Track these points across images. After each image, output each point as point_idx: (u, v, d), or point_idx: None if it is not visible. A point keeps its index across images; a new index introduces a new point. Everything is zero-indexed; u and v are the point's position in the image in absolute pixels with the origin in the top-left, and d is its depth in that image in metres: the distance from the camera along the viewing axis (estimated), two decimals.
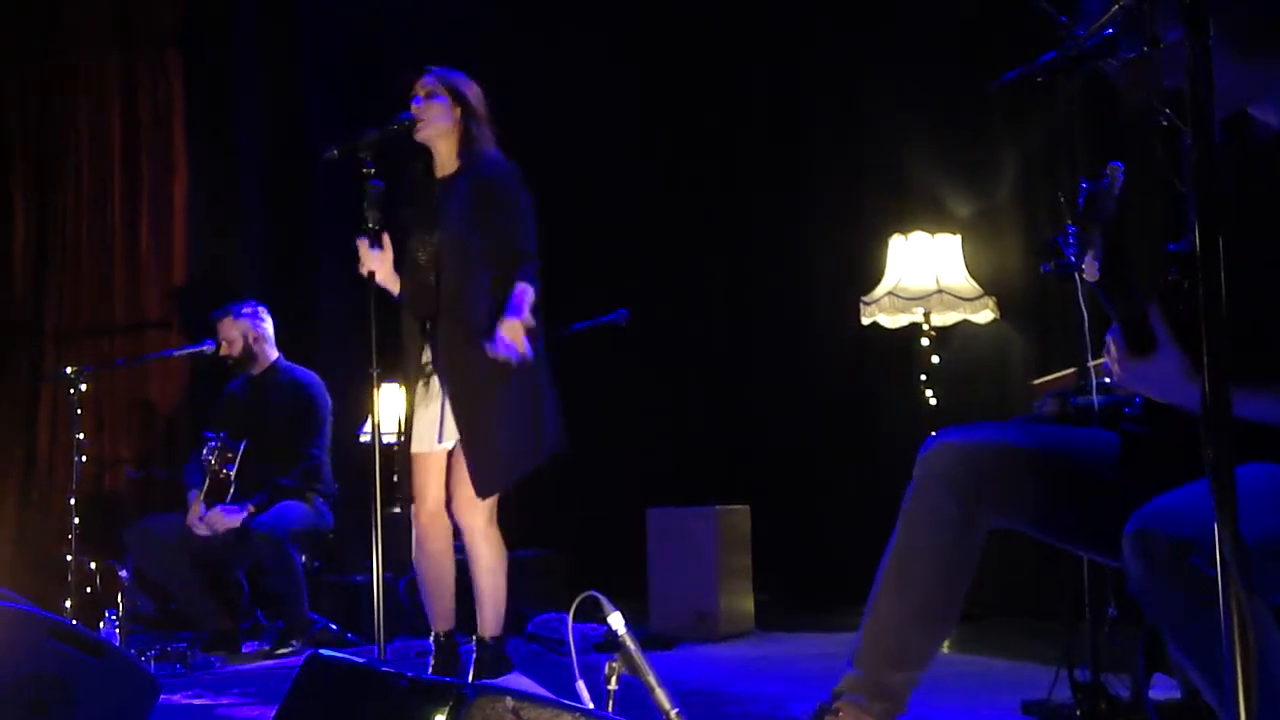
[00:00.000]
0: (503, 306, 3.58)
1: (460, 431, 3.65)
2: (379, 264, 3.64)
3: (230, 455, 4.85)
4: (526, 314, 3.54)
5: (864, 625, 2.04)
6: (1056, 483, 1.97)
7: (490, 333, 3.53)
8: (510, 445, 3.65)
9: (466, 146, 3.71)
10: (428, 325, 3.72)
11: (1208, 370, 1.28)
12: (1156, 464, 1.85)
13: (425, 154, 3.79)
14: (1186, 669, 1.61)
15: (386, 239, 3.65)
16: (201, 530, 4.73)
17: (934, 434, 2.09)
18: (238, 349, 5.10)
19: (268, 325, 5.17)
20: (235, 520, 4.72)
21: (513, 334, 3.49)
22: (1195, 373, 1.66)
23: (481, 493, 3.65)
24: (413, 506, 3.77)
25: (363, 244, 3.62)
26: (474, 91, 3.77)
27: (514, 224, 3.66)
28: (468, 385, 3.63)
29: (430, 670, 3.73)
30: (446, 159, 3.77)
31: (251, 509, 4.73)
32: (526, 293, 3.58)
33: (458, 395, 3.65)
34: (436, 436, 3.69)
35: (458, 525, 3.74)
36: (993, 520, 1.99)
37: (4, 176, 6.26)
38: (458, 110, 3.71)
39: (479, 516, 3.68)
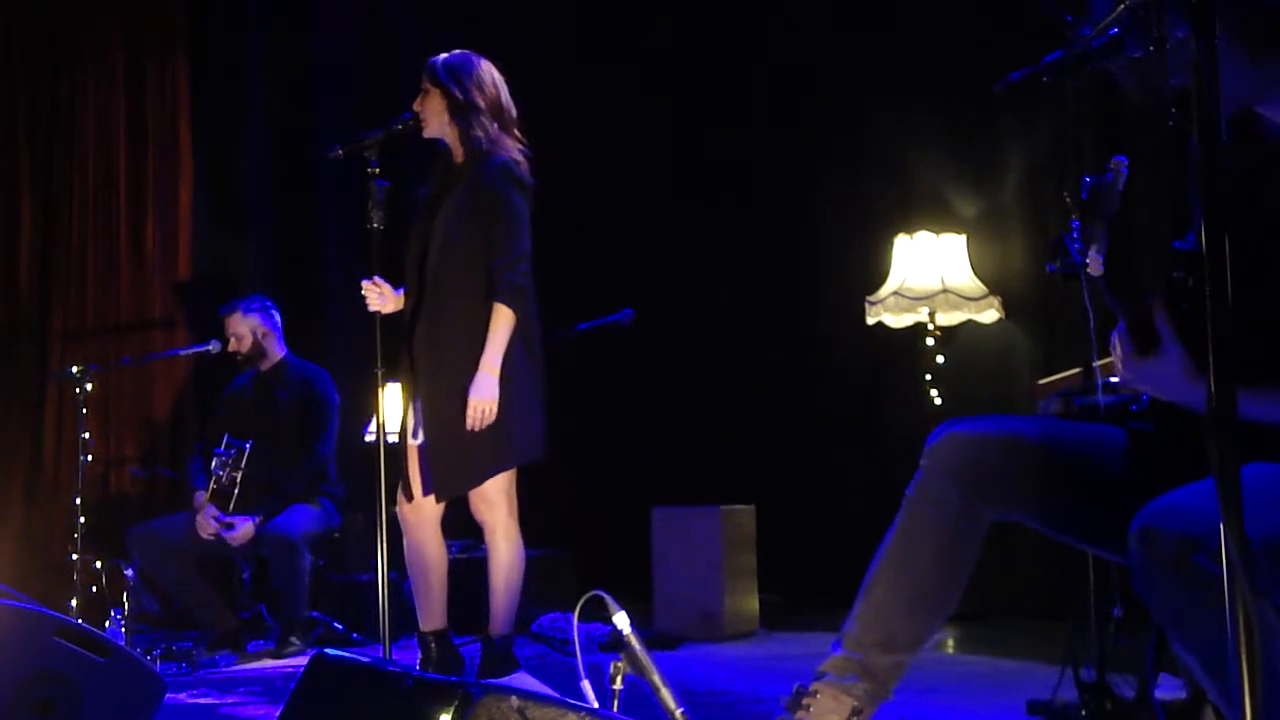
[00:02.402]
0: (482, 314, 3.58)
1: (425, 430, 3.64)
2: (384, 305, 3.66)
3: (237, 460, 4.84)
4: (500, 359, 3.55)
5: (856, 609, 2.02)
6: (1063, 477, 1.96)
7: (466, 334, 3.57)
8: (475, 448, 3.57)
9: (465, 141, 3.71)
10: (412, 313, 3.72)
11: (1213, 369, 1.27)
12: (1163, 461, 1.84)
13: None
14: (1190, 667, 1.61)
15: (389, 289, 3.69)
16: (208, 535, 4.72)
17: (942, 424, 2.09)
18: (247, 345, 5.05)
19: (277, 321, 5.13)
20: (251, 530, 4.71)
21: (485, 391, 3.52)
22: (1200, 371, 1.66)
23: (439, 494, 3.64)
24: (398, 496, 3.73)
25: (369, 287, 3.64)
26: (472, 78, 3.71)
27: (502, 228, 3.62)
28: (438, 384, 3.62)
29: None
30: (457, 150, 3.77)
31: (261, 519, 4.72)
32: (502, 330, 3.57)
33: (428, 392, 3.65)
34: (414, 430, 3.69)
35: (479, 522, 3.70)
36: (997, 512, 1.98)
37: (10, 175, 6.27)
38: (446, 102, 3.71)
39: (497, 511, 3.64)
